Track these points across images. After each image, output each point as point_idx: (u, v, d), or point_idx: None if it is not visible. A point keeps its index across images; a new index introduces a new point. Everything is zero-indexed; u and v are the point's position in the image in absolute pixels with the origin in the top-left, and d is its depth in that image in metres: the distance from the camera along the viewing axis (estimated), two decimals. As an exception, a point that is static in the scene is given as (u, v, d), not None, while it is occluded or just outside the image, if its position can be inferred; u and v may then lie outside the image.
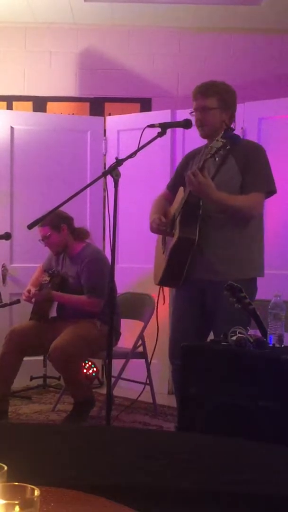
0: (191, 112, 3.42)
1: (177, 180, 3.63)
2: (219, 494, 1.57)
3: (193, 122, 3.39)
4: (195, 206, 3.28)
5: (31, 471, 1.33)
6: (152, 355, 4.16)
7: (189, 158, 3.61)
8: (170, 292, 4.29)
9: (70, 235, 4.32)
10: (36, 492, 1.08)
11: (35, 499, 1.07)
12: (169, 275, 3.43)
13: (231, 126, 3.30)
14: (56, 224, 4.24)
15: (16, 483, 1.09)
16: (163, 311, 4.56)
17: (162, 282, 3.52)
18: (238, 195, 3.29)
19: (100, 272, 4.17)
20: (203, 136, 3.44)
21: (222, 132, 3.14)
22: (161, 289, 3.61)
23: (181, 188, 3.47)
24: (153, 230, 3.52)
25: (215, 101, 3.36)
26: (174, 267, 3.39)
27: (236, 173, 3.31)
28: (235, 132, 3.25)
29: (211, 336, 3.43)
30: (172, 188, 3.66)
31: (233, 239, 3.32)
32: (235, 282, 3.06)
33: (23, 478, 1.12)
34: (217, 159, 3.13)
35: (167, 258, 3.40)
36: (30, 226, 3.17)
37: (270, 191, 3.40)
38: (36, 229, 4.14)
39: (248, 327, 3.10)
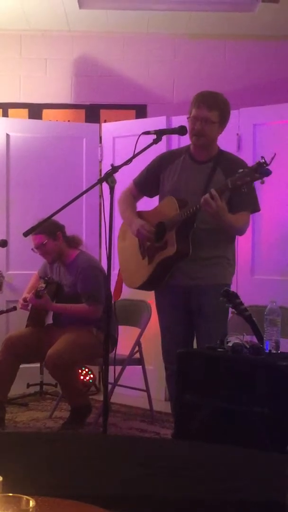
0: (188, 117, 3.42)
1: (149, 179, 3.63)
2: (214, 501, 1.57)
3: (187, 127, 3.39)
4: (192, 221, 3.35)
5: (27, 481, 1.32)
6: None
7: (168, 161, 3.58)
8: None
9: (64, 242, 4.32)
10: (31, 503, 1.08)
11: (30, 510, 1.07)
12: (151, 283, 3.54)
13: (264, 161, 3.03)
14: (52, 232, 4.24)
15: (11, 494, 1.09)
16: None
17: (141, 288, 3.62)
18: (237, 216, 3.37)
19: (96, 278, 4.17)
20: (198, 145, 3.45)
21: (257, 164, 3.01)
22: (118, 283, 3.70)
23: (171, 198, 3.44)
24: (142, 236, 3.53)
25: (217, 115, 3.38)
26: (158, 275, 3.48)
27: None
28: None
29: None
30: (140, 186, 3.68)
31: (217, 249, 3.45)
32: (217, 287, 3.23)
33: (18, 488, 1.11)
34: (244, 190, 3.07)
35: (154, 268, 3.47)
36: (26, 234, 3.18)
37: (256, 210, 3.57)
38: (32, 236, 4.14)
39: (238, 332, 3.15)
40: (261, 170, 2.97)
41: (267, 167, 2.97)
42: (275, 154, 2.94)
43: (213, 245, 3.43)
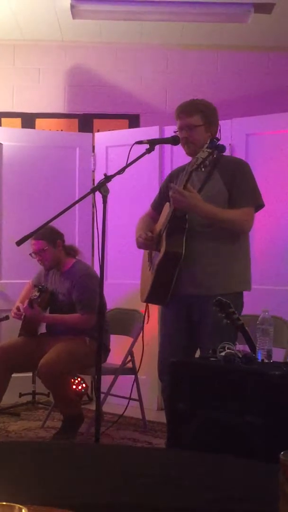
0: (175, 131, 3.43)
1: (162, 198, 3.62)
2: (208, 511, 1.57)
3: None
4: (181, 219, 3.27)
5: (19, 489, 1.32)
6: (138, 369, 4.16)
7: (173, 176, 3.61)
8: (158, 309, 4.29)
9: (62, 251, 4.34)
10: (24, 512, 1.07)
11: (23, 518, 1.07)
12: (156, 292, 3.41)
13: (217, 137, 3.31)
14: (53, 239, 4.27)
15: (4, 503, 1.08)
16: (152, 327, 4.56)
17: (148, 300, 3.50)
18: (229, 209, 3.30)
19: (92, 288, 4.16)
20: (190, 153, 3.44)
21: (208, 142, 3.16)
22: (147, 306, 3.58)
23: (167, 204, 3.47)
24: (140, 245, 3.51)
25: (199, 119, 3.37)
26: (161, 284, 3.37)
27: (222, 188, 3.31)
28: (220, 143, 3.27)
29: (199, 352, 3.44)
30: (157, 207, 3.66)
31: (219, 253, 3.32)
32: (222, 296, 3.06)
33: (11, 497, 1.11)
34: (203, 169, 3.15)
35: (154, 275, 3.38)
36: (18, 243, 3.16)
37: (259, 205, 3.43)
38: (25, 245, 4.12)
39: (236, 343, 3.10)
40: (210, 145, 3.16)
41: (218, 142, 3.17)
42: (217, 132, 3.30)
43: (218, 250, 3.32)
